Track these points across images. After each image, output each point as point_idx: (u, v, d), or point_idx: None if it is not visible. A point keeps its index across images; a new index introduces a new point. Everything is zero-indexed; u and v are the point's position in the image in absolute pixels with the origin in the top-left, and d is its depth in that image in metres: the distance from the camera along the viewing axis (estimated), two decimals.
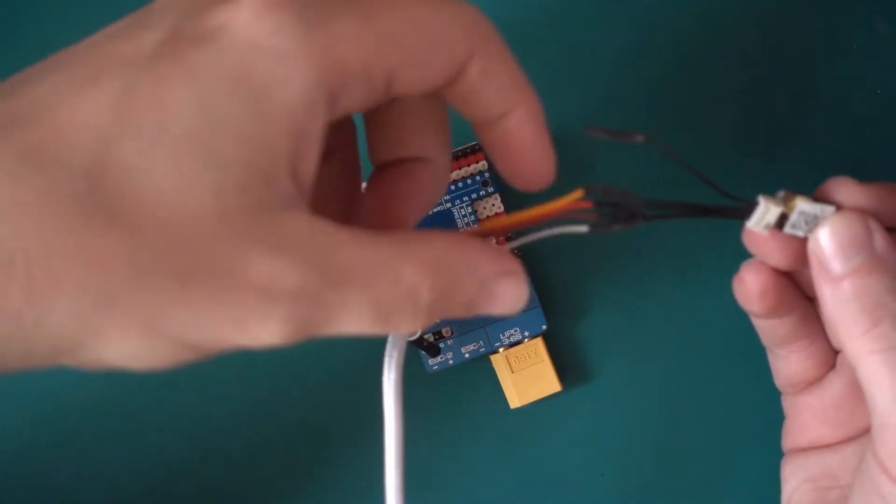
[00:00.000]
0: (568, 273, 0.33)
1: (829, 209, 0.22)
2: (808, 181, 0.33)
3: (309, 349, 0.33)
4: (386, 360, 0.26)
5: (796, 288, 0.25)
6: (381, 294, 0.19)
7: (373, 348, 0.29)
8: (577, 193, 0.22)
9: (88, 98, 0.17)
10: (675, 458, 0.33)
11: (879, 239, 0.22)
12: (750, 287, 0.25)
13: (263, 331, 0.18)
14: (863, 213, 0.23)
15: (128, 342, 0.18)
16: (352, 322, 0.19)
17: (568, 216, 0.22)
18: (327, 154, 0.23)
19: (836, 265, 0.22)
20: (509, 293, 0.21)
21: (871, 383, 0.22)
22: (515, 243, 0.24)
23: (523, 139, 0.21)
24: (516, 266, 0.21)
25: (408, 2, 0.20)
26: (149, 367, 0.19)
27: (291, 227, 0.18)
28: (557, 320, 0.33)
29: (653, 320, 0.33)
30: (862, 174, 0.33)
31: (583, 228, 0.22)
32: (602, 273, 0.33)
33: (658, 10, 0.34)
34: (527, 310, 0.32)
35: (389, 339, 0.27)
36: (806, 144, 0.34)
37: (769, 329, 0.26)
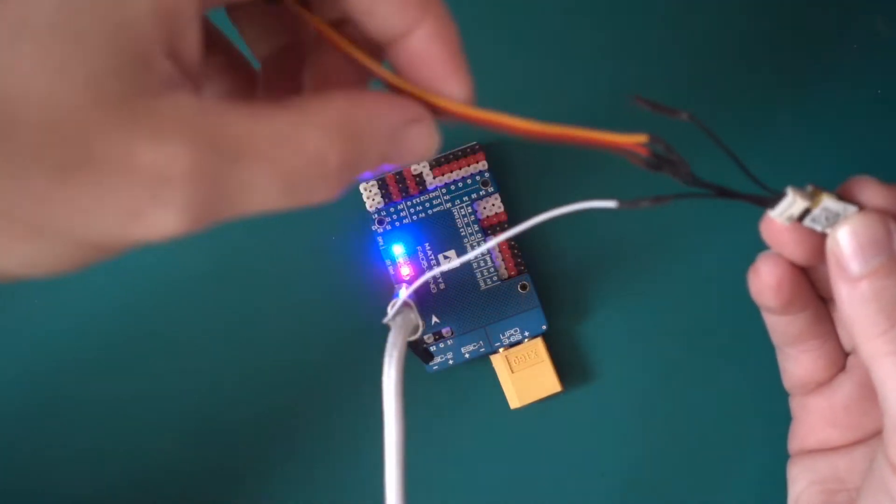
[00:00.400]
0: (568, 273, 0.33)
1: (852, 209, 0.22)
2: (807, 181, 0.33)
3: (309, 349, 0.33)
4: (386, 360, 0.26)
5: (810, 285, 0.25)
6: (284, 164, 0.18)
7: (373, 348, 0.29)
8: (641, 137, 0.21)
9: None
10: (676, 457, 0.33)
11: None
12: (766, 279, 0.24)
13: (161, 219, 0.18)
14: (884, 214, 0.22)
15: (20, 248, 0.17)
16: (258, 198, 0.19)
17: (617, 153, 0.21)
18: (217, 44, 0.22)
19: (855, 265, 0.22)
20: (420, 140, 0.21)
21: (886, 385, 0.22)
22: (543, 217, 0.23)
23: (430, 59, 0.20)
24: (422, 111, 0.21)
25: None
26: (51, 271, 0.18)
27: (176, 108, 0.18)
28: (557, 320, 0.33)
29: (653, 320, 0.33)
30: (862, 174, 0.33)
31: (612, 204, 0.22)
32: (602, 273, 0.33)
33: (658, 10, 0.34)
34: (527, 310, 0.32)
35: (389, 340, 0.27)
36: (806, 144, 0.34)
37: (781, 326, 0.26)
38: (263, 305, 0.33)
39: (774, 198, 0.22)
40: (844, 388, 0.26)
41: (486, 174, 0.32)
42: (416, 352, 0.31)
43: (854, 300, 0.22)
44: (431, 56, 0.20)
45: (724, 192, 0.22)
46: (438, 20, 0.20)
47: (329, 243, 0.33)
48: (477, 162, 0.32)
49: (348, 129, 0.19)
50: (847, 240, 0.22)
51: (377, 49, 0.21)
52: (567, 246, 0.33)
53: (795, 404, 0.28)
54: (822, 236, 0.23)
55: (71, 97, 0.17)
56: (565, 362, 0.33)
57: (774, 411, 0.29)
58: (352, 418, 0.32)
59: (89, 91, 0.17)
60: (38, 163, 0.17)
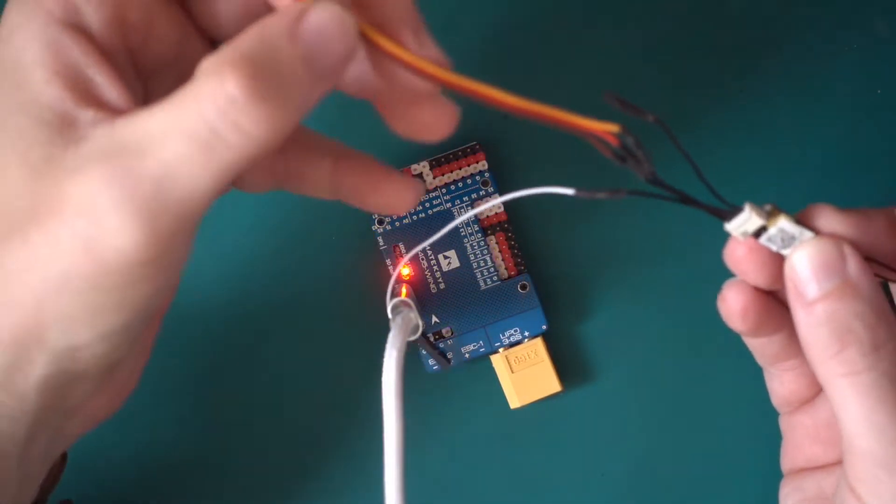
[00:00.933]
0: (568, 273, 0.33)
1: (808, 234, 0.23)
2: (807, 181, 0.33)
3: (309, 349, 0.33)
4: (386, 360, 0.26)
5: (783, 308, 0.25)
6: (186, 127, 0.19)
7: (373, 348, 0.29)
8: (613, 126, 0.22)
9: None
10: (676, 458, 0.33)
11: (853, 264, 0.22)
12: (731, 305, 0.25)
13: (113, 239, 0.19)
14: (839, 238, 0.23)
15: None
16: (184, 174, 0.19)
17: (587, 138, 0.22)
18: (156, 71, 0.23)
19: (810, 289, 0.22)
20: (325, 23, 0.19)
21: (839, 407, 0.22)
22: (497, 200, 0.25)
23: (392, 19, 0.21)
24: (310, 1, 0.20)
25: None
26: (110, 325, 0.21)
27: (94, 142, 0.20)
28: (557, 320, 0.33)
29: (653, 320, 0.33)
30: (861, 175, 0.33)
31: (569, 191, 0.22)
32: (602, 273, 0.33)
33: (658, 10, 0.34)
34: (527, 310, 0.32)
35: (389, 340, 0.27)
36: (805, 144, 0.34)
37: (759, 347, 0.26)
38: (263, 305, 0.33)
39: (732, 211, 0.23)
40: (827, 405, 0.26)
41: (486, 174, 0.32)
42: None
43: (809, 323, 0.22)
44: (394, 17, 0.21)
45: (684, 199, 0.23)
46: None
47: (329, 243, 0.33)
48: (477, 162, 0.32)
49: (236, 58, 0.19)
50: (802, 263, 0.22)
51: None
52: (567, 246, 0.33)
53: (784, 423, 0.28)
54: (778, 261, 0.23)
55: (7, 178, 0.20)
56: (565, 362, 0.33)
57: (774, 411, 0.28)
58: (351, 418, 0.32)
59: (23, 168, 0.20)
60: None
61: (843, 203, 0.33)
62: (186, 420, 0.33)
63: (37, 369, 0.21)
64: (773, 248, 0.23)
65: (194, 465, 0.33)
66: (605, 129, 0.21)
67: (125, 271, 0.19)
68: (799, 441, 0.27)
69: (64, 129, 0.20)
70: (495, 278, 0.32)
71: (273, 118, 0.19)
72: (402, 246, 0.32)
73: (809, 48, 0.34)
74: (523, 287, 0.32)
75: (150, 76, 0.23)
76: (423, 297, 0.32)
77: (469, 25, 0.34)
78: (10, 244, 0.20)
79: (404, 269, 0.32)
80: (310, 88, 0.20)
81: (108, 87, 0.20)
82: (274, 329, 0.33)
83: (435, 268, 0.32)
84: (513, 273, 0.32)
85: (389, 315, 0.30)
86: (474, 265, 0.32)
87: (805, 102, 0.34)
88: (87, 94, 0.20)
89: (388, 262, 0.32)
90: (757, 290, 0.24)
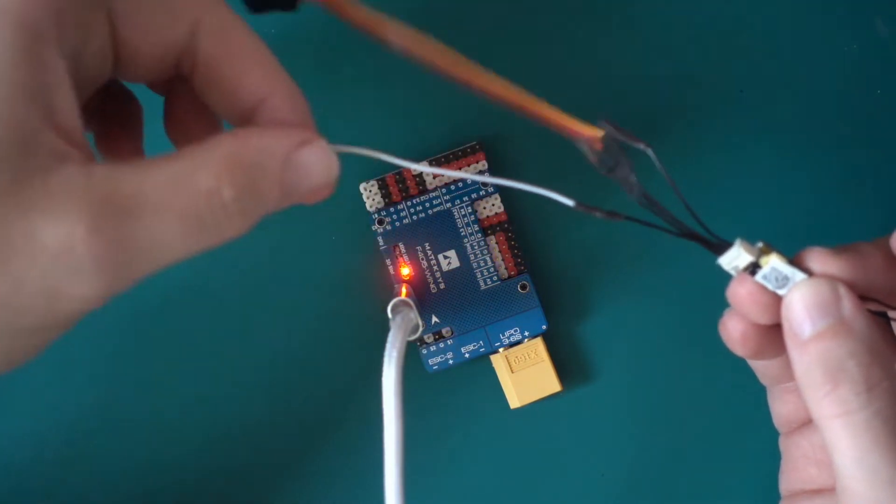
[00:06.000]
0: (568, 273, 0.33)
1: (801, 275, 0.23)
2: (807, 181, 0.33)
3: (309, 349, 0.33)
4: (386, 360, 0.26)
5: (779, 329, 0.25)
6: (180, 208, 0.19)
7: (373, 348, 0.29)
8: (598, 131, 0.22)
9: None
10: (676, 458, 0.33)
11: (847, 304, 0.22)
12: (731, 333, 0.25)
13: (80, 290, 0.19)
14: (833, 278, 0.23)
15: None
16: (167, 245, 0.19)
17: (572, 138, 0.22)
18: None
19: (805, 328, 0.22)
20: (315, 161, 0.22)
21: (832, 447, 0.22)
22: (491, 179, 0.26)
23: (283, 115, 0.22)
24: (313, 135, 0.22)
25: None
26: (5, 368, 0.20)
27: (67, 182, 0.19)
28: (557, 320, 0.33)
29: (653, 320, 0.33)
30: (861, 175, 0.33)
31: (569, 202, 0.23)
32: (602, 273, 0.33)
33: (657, 10, 0.34)
34: (527, 310, 0.32)
35: (389, 339, 0.27)
36: (805, 145, 0.34)
37: (761, 368, 0.27)
38: (263, 305, 0.33)
39: (722, 245, 0.23)
40: None
41: (486, 174, 0.32)
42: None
43: (803, 363, 0.22)
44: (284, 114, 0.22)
45: (678, 227, 0.23)
46: (287, 89, 0.22)
47: (329, 243, 0.33)
48: (477, 162, 0.32)
49: (237, 162, 0.20)
50: (797, 302, 0.23)
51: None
52: (567, 246, 0.33)
53: (783, 444, 0.28)
54: (779, 304, 0.23)
55: None
56: (565, 362, 0.33)
57: None
58: (351, 418, 0.32)
59: None
60: None
61: (845, 206, 0.33)
62: (186, 420, 0.33)
63: None
64: (770, 286, 0.23)
65: (192, 464, 0.33)
66: (591, 132, 0.22)
67: (75, 316, 0.19)
68: (796, 462, 0.27)
69: (29, 156, 0.18)
70: (495, 278, 0.32)
71: (245, 226, 0.21)
72: (401, 246, 0.32)
73: (809, 48, 0.34)
74: (523, 287, 0.32)
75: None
76: (423, 297, 0.32)
77: (470, 23, 0.34)
78: None
79: (404, 269, 0.32)
80: (280, 203, 0.21)
81: (73, 117, 0.20)
82: (274, 329, 0.33)
83: (435, 268, 0.32)
84: (513, 273, 0.32)
85: (389, 315, 0.30)
86: (474, 265, 0.32)
87: (804, 103, 0.34)
88: (52, 121, 0.19)
89: (388, 262, 0.32)
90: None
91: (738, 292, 0.24)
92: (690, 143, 0.34)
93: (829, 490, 0.26)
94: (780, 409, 0.27)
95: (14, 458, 0.32)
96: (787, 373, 0.26)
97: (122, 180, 0.19)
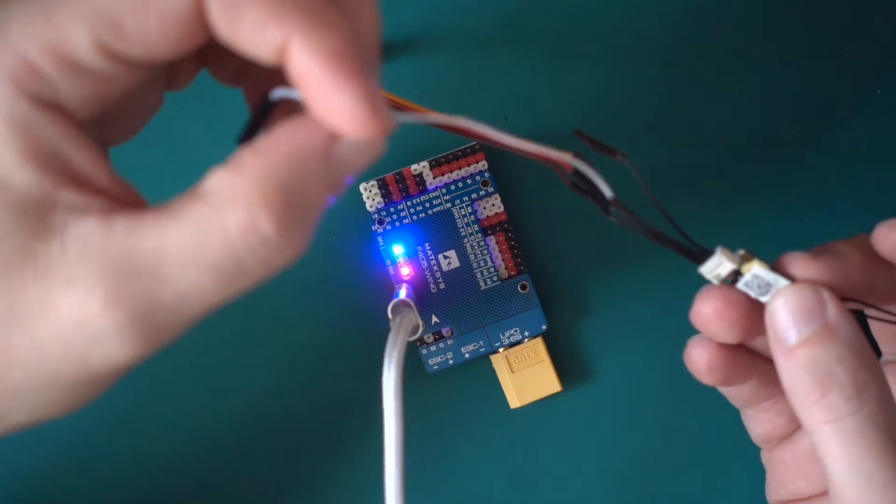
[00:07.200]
0: (568, 273, 0.33)
1: (784, 282, 0.23)
2: (807, 181, 0.33)
3: (308, 350, 0.33)
4: (386, 360, 0.26)
5: (750, 354, 0.25)
6: (211, 257, 0.18)
7: (373, 348, 0.29)
8: (568, 155, 0.22)
9: None
10: (675, 457, 0.33)
11: (832, 309, 0.22)
12: (696, 362, 0.24)
13: (108, 357, 0.18)
14: (816, 283, 0.22)
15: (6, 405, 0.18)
16: (198, 298, 0.18)
17: (546, 163, 0.22)
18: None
19: (790, 335, 0.22)
20: (356, 148, 0.19)
21: (825, 454, 0.22)
22: (520, 143, 0.22)
23: (306, 76, 0.18)
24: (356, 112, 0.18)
25: None
26: (55, 414, 0.19)
27: (83, 242, 0.18)
28: (557, 320, 0.33)
29: (653, 320, 0.33)
30: (860, 175, 0.33)
31: (565, 181, 0.22)
32: (602, 273, 0.33)
33: (658, 10, 0.34)
34: (527, 310, 0.32)
35: (389, 340, 0.27)
36: (805, 145, 0.34)
37: (731, 393, 0.26)
38: (262, 306, 0.33)
39: (703, 254, 0.23)
40: (806, 439, 0.26)
41: (486, 174, 0.32)
42: None
43: (791, 370, 0.22)
44: (309, 71, 0.18)
45: (658, 237, 0.23)
46: (308, 32, 0.17)
47: (329, 243, 0.33)
48: (477, 162, 0.32)
49: (271, 187, 0.18)
50: (781, 310, 0.22)
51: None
52: (567, 246, 0.33)
53: (765, 458, 0.28)
54: (748, 317, 0.23)
55: None
56: (565, 362, 0.33)
57: None
58: (351, 418, 0.32)
59: None
60: None
61: (844, 204, 0.33)
62: (184, 421, 0.33)
63: None
64: (752, 294, 0.23)
65: (192, 464, 0.33)
66: (562, 156, 0.22)
67: (114, 375, 0.19)
68: (781, 476, 0.27)
69: (42, 218, 0.17)
70: (495, 278, 0.32)
71: (299, 248, 0.18)
72: (402, 246, 0.32)
73: (809, 48, 0.34)
74: (523, 287, 0.32)
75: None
76: (423, 297, 0.32)
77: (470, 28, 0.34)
78: None
79: (404, 269, 0.32)
80: (330, 202, 0.19)
81: (90, 164, 0.18)
82: (273, 329, 0.33)
83: (435, 268, 0.32)
84: (513, 273, 0.32)
85: (390, 315, 0.30)
86: (474, 265, 0.32)
87: (804, 103, 0.34)
88: (66, 175, 0.18)
89: (388, 262, 0.32)
90: (722, 344, 0.24)
91: (703, 311, 0.23)
92: (684, 146, 0.33)
93: (818, 497, 0.26)
94: (757, 429, 0.27)
95: (17, 462, 0.32)
96: (759, 394, 0.26)
97: (142, 234, 0.18)
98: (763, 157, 0.34)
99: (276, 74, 0.19)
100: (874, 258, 0.23)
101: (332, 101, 0.18)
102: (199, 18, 0.18)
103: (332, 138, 0.18)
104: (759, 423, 0.27)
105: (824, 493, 0.26)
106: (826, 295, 0.22)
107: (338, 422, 0.33)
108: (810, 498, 0.26)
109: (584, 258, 0.33)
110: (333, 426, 0.33)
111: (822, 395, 0.22)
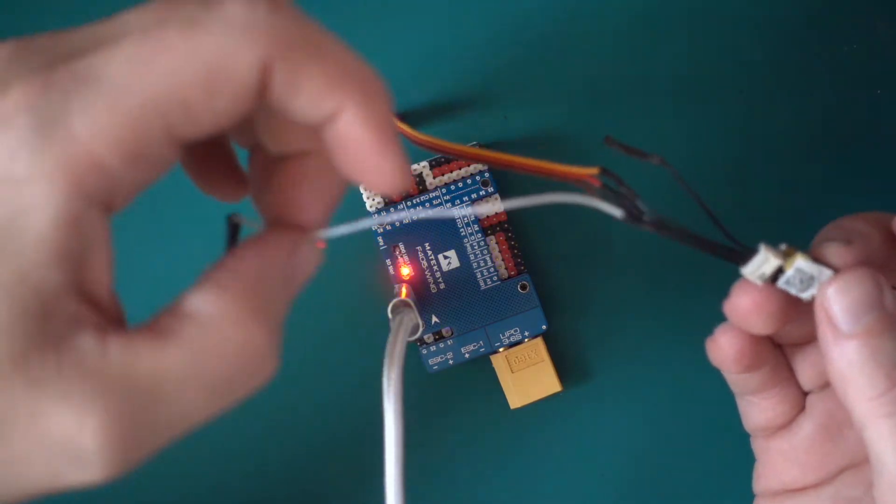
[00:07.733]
0: (568, 273, 0.33)
1: (828, 272, 0.22)
2: (807, 181, 0.33)
3: (308, 350, 0.33)
4: (386, 360, 0.26)
5: (768, 341, 0.25)
6: (209, 374, 0.18)
7: (373, 348, 0.29)
8: (593, 169, 0.21)
9: None
10: (675, 457, 0.33)
11: (889, 297, 0.21)
12: (726, 350, 0.24)
13: (83, 478, 0.17)
14: (873, 269, 0.22)
15: None
16: (187, 417, 0.18)
17: (572, 182, 0.22)
18: None
19: (847, 324, 0.21)
20: (307, 261, 0.21)
21: (881, 449, 0.21)
22: (533, 200, 0.22)
23: (355, 142, 0.19)
24: (295, 237, 0.21)
25: (164, 43, 0.17)
26: None
27: (79, 356, 0.17)
28: (557, 320, 0.33)
29: (653, 320, 0.33)
30: (860, 176, 0.33)
31: (617, 213, 0.21)
32: (602, 273, 0.33)
33: (658, 10, 0.34)
34: (527, 310, 0.32)
35: (389, 340, 0.27)
36: (805, 145, 0.34)
37: (741, 381, 0.26)
38: None
39: (746, 254, 0.22)
40: (805, 428, 0.26)
41: (486, 174, 0.32)
42: None
43: (846, 360, 0.21)
44: (355, 140, 0.19)
45: (696, 241, 0.22)
46: (362, 103, 0.18)
47: (329, 243, 0.33)
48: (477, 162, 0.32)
49: (256, 300, 0.19)
50: (837, 297, 0.22)
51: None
52: (567, 246, 0.33)
53: (757, 446, 0.27)
54: (786, 309, 0.23)
55: None
56: (565, 362, 0.33)
57: None
58: (351, 418, 0.32)
59: None
60: None
61: (847, 206, 0.33)
62: None
63: None
64: (793, 291, 0.22)
65: (191, 463, 0.33)
66: (586, 173, 0.22)
67: (78, 489, 0.18)
68: (776, 465, 0.26)
69: (43, 324, 0.17)
70: (495, 278, 0.32)
71: (278, 359, 0.19)
72: (401, 246, 0.32)
73: (809, 48, 0.34)
74: (523, 287, 0.32)
75: None
76: (423, 297, 0.32)
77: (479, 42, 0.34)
78: None
79: (404, 269, 0.32)
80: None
81: (101, 272, 0.18)
82: None
83: (435, 268, 0.32)
84: (513, 273, 0.32)
85: (389, 315, 0.30)
86: (474, 265, 0.32)
87: (804, 103, 0.34)
88: (78, 281, 0.17)
89: (388, 262, 0.32)
90: (752, 334, 0.24)
91: (742, 304, 0.23)
92: (685, 146, 0.33)
93: (813, 487, 0.26)
94: (758, 416, 0.26)
95: None
96: (768, 382, 0.25)
97: (138, 354, 0.17)
98: (763, 157, 0.34)
99: (296, 135, 0.20)
100: (891, 238, 0.23)
101: (377, 165, 0.19)
102: (262, 89, 0.18)
103: (292, 251, 0.20)
104: (761, 410, 0.26)
105: (818, 485, 0.26)
106: (882, 281, 0.22)
107: (338, 421, 0.33)
108: (804, 489, 0.26)
109: (584, 258, 0.33)
110: (333, 425, 0.33)
111: (890, 388, 0.21)
